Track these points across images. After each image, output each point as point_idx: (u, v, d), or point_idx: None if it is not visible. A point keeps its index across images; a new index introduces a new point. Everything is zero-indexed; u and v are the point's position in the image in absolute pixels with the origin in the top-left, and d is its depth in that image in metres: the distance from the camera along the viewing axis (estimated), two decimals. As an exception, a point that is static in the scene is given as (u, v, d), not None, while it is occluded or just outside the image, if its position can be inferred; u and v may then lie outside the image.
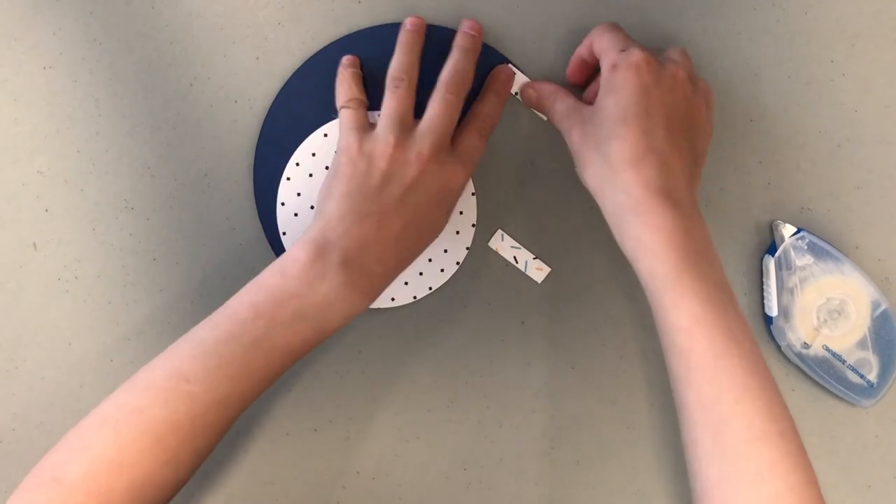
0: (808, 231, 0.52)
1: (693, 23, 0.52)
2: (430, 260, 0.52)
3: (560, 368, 0.53)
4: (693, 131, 0.45)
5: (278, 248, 0.52)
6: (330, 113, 0.51)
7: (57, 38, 0.51)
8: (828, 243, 0.52)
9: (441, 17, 0.51)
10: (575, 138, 0.47)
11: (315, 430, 0.53)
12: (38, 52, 0.51)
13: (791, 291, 0.52)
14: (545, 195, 0.53)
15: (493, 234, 0.53)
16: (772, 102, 0.53)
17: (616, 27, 0.48)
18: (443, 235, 0.51)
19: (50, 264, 0.52)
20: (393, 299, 0.52)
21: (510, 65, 0.51)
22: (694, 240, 0.42)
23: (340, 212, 0.44)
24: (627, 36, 0.47)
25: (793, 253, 0.52)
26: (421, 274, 0.52)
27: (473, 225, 0.52)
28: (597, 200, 0.46)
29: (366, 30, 0.51)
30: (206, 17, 0.51)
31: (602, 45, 0.46)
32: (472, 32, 0.49)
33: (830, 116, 0.53)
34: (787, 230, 0.52)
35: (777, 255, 0.52)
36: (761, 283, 0.53)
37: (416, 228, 0.45)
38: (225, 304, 0.44)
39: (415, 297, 0.52)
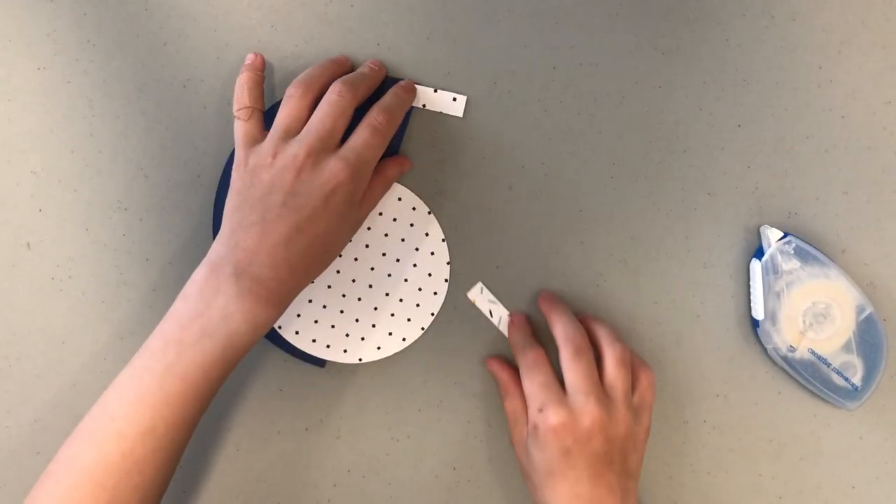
0: (794, 235, 0.52)
1: (681, 28, 0.53)
2: (419, 289, 0.53)
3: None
4: (623, 454, 0.48)
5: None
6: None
7: (51, 39, 0.51)
8: (814, 248, 0.52)
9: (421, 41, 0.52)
10: (521, 457, 0.50)
11: (306, 428, 0.54)
12: (32, 53, 0.51)
13: (777, 295, 0.52)
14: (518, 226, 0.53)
15: (473, 286, 0.53)
16: (760, 108, 0.53)
17: (528, 362, 0.50)
18: (426, 256, 0.52)
19: (44, 264, 0.52)
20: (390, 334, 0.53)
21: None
22: None
23: (231, 227, 0.45)
24: (580, 373, 0.48)
25: (779, 257, 0.52)
26: (418, 306, 0.53)
27: (443, 240, 0.53)
28: None
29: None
30: (199, 18, 0.52)
31: (528, 391, 0.49)
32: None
33: (818, 122, 0.53)
34: (774, 234, 0.52)
35: (764, 259, 0.52)
36: (748, 287, 0.54)
37: (306, 232, 0.44)
38: (146, 342, 0.45)
39: (408, 319, 0.53)
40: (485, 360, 0.53)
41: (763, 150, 0.54)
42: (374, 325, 0.53)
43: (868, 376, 0.53)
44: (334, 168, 0.44)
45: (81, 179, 0.52)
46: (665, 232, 0.54)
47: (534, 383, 0.48)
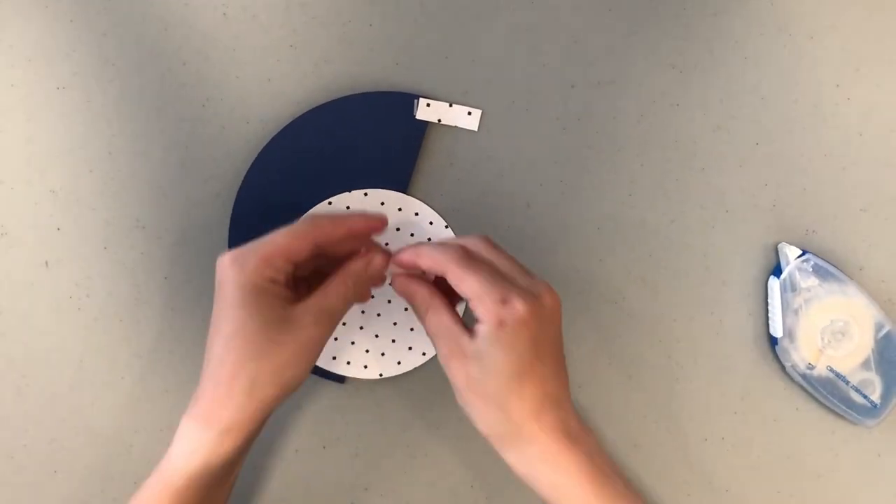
0: (812, 253, 0.52)
1: (700, 47, 0.53)
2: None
3: (571, 390, 0.54)
4: (562, 351, 0.44)
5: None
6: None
7: (71, 59, 0.51)
8: (832, 265, 0.52)
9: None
10: (458, 375, 0.43)
11: (324, 447, 0.53)
12: (52, 73, 0.51)
13: (796, 313, 0.52)
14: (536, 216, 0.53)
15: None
16: (778, 126, 0.53)
17: (480, 249, 0.44)
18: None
19: (62, 282, 0.52)
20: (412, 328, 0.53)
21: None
22: (597, 462, 0.43)
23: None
24: (496, 269, 0.43)
25: (798, 275, 0.52)
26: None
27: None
28: (494, 447, 0.44)
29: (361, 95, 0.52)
30: (218, 38, 0.52)
31: (473, 288, 0.41)
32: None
33: (835, 140, 0.54)
34: (792, 252, 0.52)
35: (782, 276, 0.52)
36: (766, 305, 0.54)
37: (216, 333, 0.42)
38: None
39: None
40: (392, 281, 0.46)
41: (781, 168, 0.54)
42: (393, 341, 0.53)
43: (887, 393, 0.53)
44: (222, 255, 0.42)
45: (100, 198, 0.52)
46: (683, 249, 0.54)
47: (478, 279, 0.41)
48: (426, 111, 0.52)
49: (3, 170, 0.52)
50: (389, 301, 0.53)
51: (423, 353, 0.53)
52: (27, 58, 0.51)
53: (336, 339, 0.52)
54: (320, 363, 0.52)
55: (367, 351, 0.53)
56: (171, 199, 0.52)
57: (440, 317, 0.43)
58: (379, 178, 0.49)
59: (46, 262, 0.52)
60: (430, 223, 0.53)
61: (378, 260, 0.45)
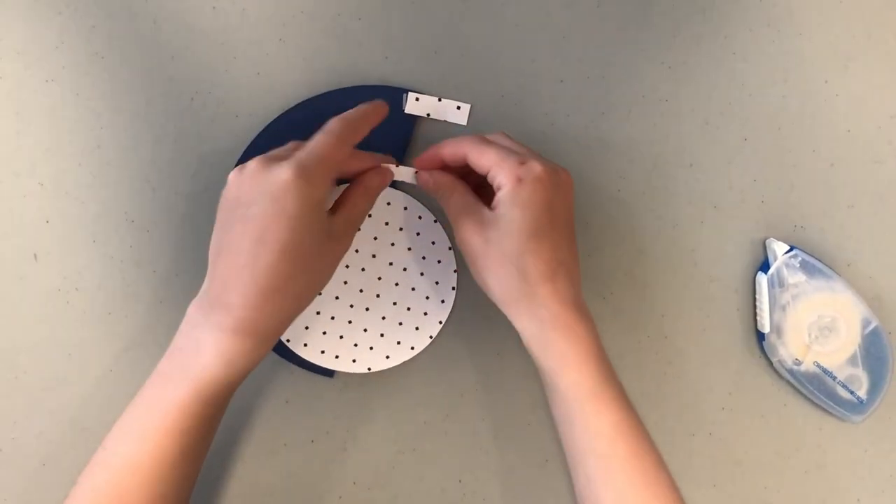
0: (800, 249, 0.53)
1: (688, 43, 0.53)
2: (427, 298, 0.53)
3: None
4: (574, 229, 0.46)
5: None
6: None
7: (59, 51, 0.51)
8: (820, 261, 0.53)
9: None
10: (476, 242, 0.44)
11: (312, 441, 0.54)
12: (40, 66, 0.51)
13: (783, 308, 0.53)
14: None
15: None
16: (766, 122, 0.53)
17: (498, 138, 0.47)
18: (433, 265, 0.52)
19: (51, 275, 0.52)
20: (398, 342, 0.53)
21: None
22: (600, 346, 0.45)
23: (211, 258, 0.44)
24: (515, 143, 0.46)
25: (785, 271, 0.52)
26: (426, 314, 0.53)
27: (450, 248, 0.53)
28: (506, 311, 0.45)
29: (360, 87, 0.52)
30: (207, 32, 0.52)
31: (492, 158, 0.44)
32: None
33: (823, 136, 0.54)
34: (780, 248, 0.53)
35: (770, 272, 0.53)
36: (754, 300, 0.54)
37: (268, 244, 0.41)
38: None
39: (416, 328, 0.53)
40: (417, 176, 0.49)
41: (769, 164, 0.54)
42: (382, 335, 0.53)
43: (873, 389, 0.53)
44: (279, 168, 0.41)
45: (89, 191, 0.52)
46: (672, 245, 0.54)
47: (496, 150, 0.44)
48: (415, 105, 0.52)
49: None
50: (378, 295, 0.53)
51: (412, 348, 0.53)
52: (16, 51, 0.51)
53: (325, 332, 0.53)
54: (308, 357, 0.53)
55: (356, 345, 0.53)
56: (159, 193, 0.52)
57: (464, 197, 0.46)
58: (375, 149, 0.49)
59: (35, 256, 0.52)
60: (419, 217, 0.53)
61: (391, 172, 0.49)
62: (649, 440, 0.45)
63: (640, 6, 0.53)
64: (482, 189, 0.47)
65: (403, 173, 0.50)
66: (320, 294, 0.52)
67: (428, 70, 0.53)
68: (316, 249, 0.43)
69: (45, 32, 0.51)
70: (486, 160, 0.44)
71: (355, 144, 0.45)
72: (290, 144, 0.46)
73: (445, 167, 0.48)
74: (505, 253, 0.43)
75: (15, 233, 0.52)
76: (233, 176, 0.43)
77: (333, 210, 0.45)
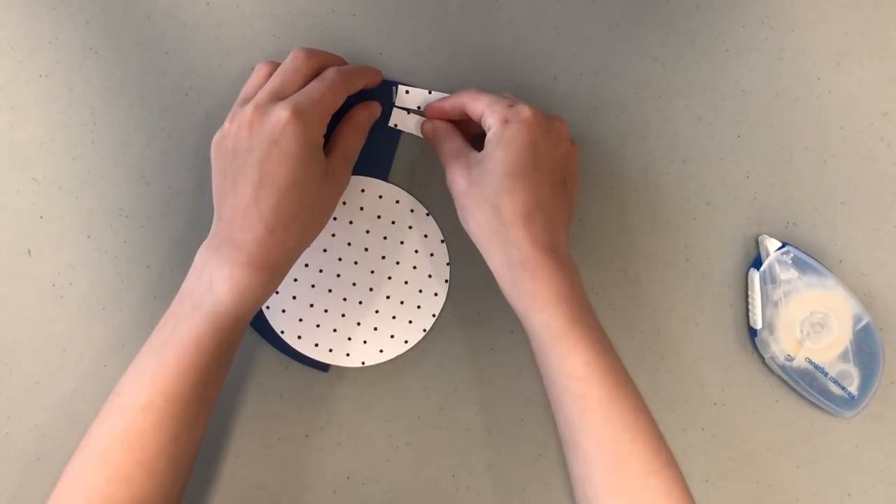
0: (792, 245, 0.53)
1: (682, 39, 0.53)
2: (420, 291, 0.53)
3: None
4: (570, 183, 0.48)
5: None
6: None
7: (53, 46, 0.51)
8: (812, 258, 0.53)
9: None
10: (460, 182, 0.46)
11: (307, 435, 0.54)
12: (34, 61, 0.51)
13: (775, 305, 0.53)
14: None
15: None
16: (759, 118, 0.54)
17: (503, 93, 0.49)
18: (426, 258, 0.53)
19: (45, 270, 0.52)
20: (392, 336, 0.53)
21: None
22: (577, 291, 0.45)
23: (216, 202, 0.46)
24: (506, 97, 0.48)
25: (778, 267, 0.53)
26: (419, 308, 0.53)
27: (442, 241, 0.53)
28: (482, 250, 0.46)
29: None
30: (201, 27, 0.52)
31: (485, 102, 0.47)
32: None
33: (816, 132, 0.54)
34: (773, 244, 0.53)
35: (762, 268, 0.53)
36: (746, 296, 0.54)
37: (269, 185, 0.43)
38: None
39: (410, 321, 0.54)
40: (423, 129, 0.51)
41: (762, 161, 0.54)
42: (375, 328, 0.53)
43: (864, 385, 0.53)
44: (278, 111, 0.43)
45: (83, 186, 0.52)
46: (664, 241, 0.54)
47: (490, 96, 0.47)
48: (406, 98, 0.52)
49: None
50: (371, 289, 0.53)
51: (406, 342, 0.53)
52: (9, 45, 0.51)
53: (318, 325, 0.53)
54: (303, 350, 0.53)
55: (350, 339, 0.53)
56: (153, 188, 0.52)
57: (454, 142, 0.48)
58: (359, 165, 0.50)
59: (29, 251, 0.52)
60: (412, 210, 0.53)
61: (378, 107, 0.51)
62: (626, 380, 0.45)
63: (634, 2, 0.53)
64: (482, 140, 0.47)
65: (410, 124, 0.52)
66: (321, 272, 0.53)
67: (421, 66, 0.53)
68: (315, 188, 0.45)
69: (39, 27, 0.51)
70: (479, 105, 0.47)
71: (349, 95, 0.48)
72: (262, 68, 0.47)
73: (449, 121, 0.51)
74: (484, 192, 0.44)
75: (8, 228, 0.52)
76: (228, 125, 0.45)
77: (328, 149, 0.47)
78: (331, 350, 0.53)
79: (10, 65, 0.51)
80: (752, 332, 0.54)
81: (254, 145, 0.43)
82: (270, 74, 0.47)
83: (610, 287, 0.54)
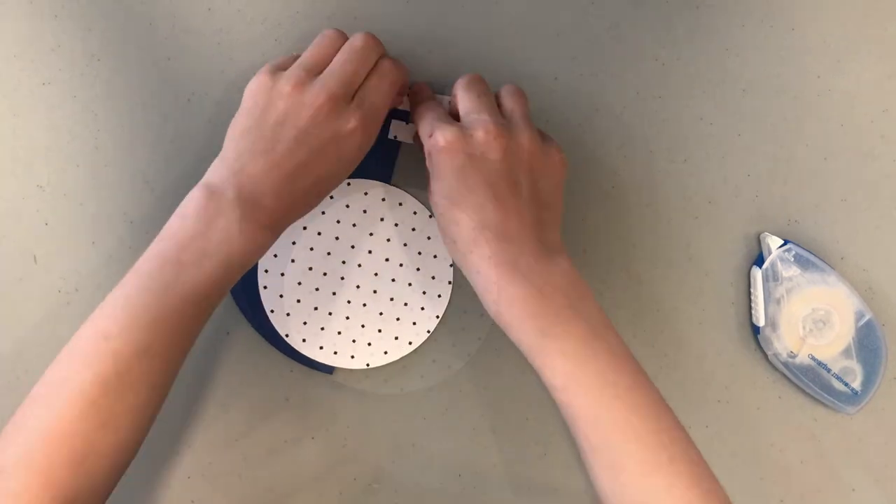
0: (794, 243, 0.53)
1: (681, 39, 0.53)
2: (423, 293, 0.53)
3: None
4: (531, 176, 0.45)
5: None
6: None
7: (56, 54, 0.51)
8: (813, 255, 0.53)
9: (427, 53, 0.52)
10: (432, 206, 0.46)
11: (313, 438, 0.54)
12: (37, 68, 0.51)
13: (778, 302, 0.53)
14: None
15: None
16: (759, 117, 0.54)
17: (474, 87, 0.48)
18: (429, 259, 0.53)
19: (50, 277, 0.52)
20: (408, 342, 0.54)
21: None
22: (551, 298, 0.43)
23: (238, 150, 0.44)
24: (446, 110, 0.48)
25: (780, 264, 0.53)
26: (423, 309, 0.54)
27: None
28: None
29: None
30: (203, 33, 0.52)
31: (423, 128, 0.47)
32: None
33: (817, 130, 0.54)
34: (774, 242, 0.53)
35: (764, 266, 0.53)
36: (749, 294, 0.55)
37: (311, 172, 0.44)
38: (136, 264, 0.44)
39: (413, 323, 0.54)
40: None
41: (763, 159, 0.54)
42: (380, 330, 0.53)
43: (867, 381, 0.54)
44: (351, 119, 0.44)
45: (87, 193, 0.52)
46: (666, 240, 0.54)
47: (426, 119, 0.46)
48: (408, 101, 0.52)
49: None
50: (375, 291, 0.53)
51: (410, 343, 0.54)
52: (12, 53, 0.51)
53: (323, 328, 0.53)
54: (307, 352, 0.53)
55: (354, 341, 0.53)
56: (158, 194, 0.53)
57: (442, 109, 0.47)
58: (362, 168, 0.50)
59: (35, 257, 0.52)
60: (414, 213, 0.53)
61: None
62: (616, 379, 0.43)
63: (633, 3, 0.53)
64: None
65: (408, 134, 0.52)
66: (325, 275, 0.53)
67: (422, 68, 0.53)
68: (346, 175, 0.47)
69: (42, 35, 0.51)
70: (421, 129, 0.47)
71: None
72: (330, 40, 0.47)
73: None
74: (440, 225, 0.45)
75: (14, 235, 0.52)
76: (287, 87, 0.44)
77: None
78: (335, 353, 0.53)
79: (14, 73, 0.51)
80: (755, 330, 0.54)
81: (312, 132, 0.44)
82: (336, 48, 0.46)
83: (613, 287, 0.54)
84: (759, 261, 0.54)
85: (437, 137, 0.44)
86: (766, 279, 0.53)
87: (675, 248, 0.54)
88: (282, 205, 0.44)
